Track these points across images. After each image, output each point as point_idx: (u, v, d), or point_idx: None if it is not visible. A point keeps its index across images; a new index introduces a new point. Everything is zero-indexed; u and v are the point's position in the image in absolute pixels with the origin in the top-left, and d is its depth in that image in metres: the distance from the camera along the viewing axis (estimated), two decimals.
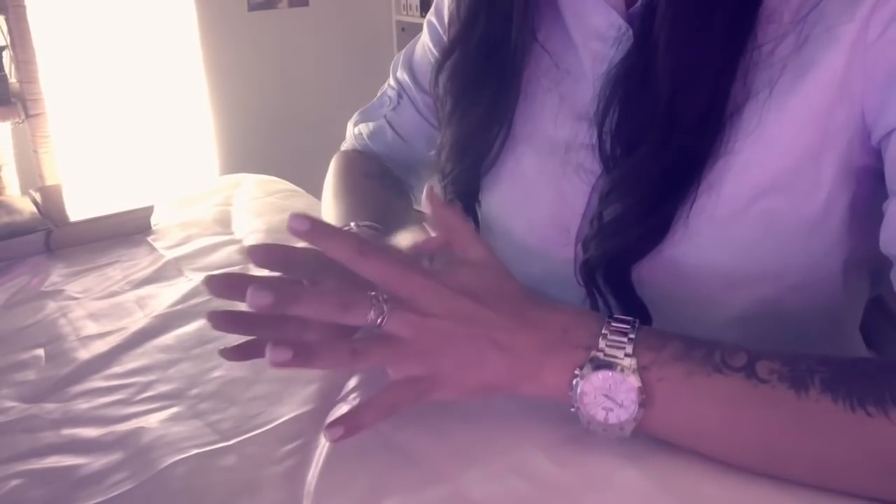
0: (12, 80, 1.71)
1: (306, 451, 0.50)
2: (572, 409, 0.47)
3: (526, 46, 0.64)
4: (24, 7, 1.63)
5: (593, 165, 0.61)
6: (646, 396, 0.45)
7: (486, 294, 0.47)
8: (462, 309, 0.46)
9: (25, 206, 0.86)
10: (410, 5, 2.74)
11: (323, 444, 0.50)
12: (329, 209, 0.76)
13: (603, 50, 0.60)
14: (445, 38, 0.75)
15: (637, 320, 0.47)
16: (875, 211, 0.53)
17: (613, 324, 0.47)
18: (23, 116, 1.69)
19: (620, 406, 0.45)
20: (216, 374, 0.59)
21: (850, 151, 0.54)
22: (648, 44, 0.55)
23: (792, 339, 0.61)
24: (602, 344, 0.46)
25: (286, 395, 0.56)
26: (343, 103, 0.89)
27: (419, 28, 0.84)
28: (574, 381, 0.46)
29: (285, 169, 1.15)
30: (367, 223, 0.67)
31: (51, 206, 0.86)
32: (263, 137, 2.52)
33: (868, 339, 0.71)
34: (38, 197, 0.88)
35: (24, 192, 1.25)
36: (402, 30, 2.80)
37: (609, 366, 0.45)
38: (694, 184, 0.55)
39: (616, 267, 0.58)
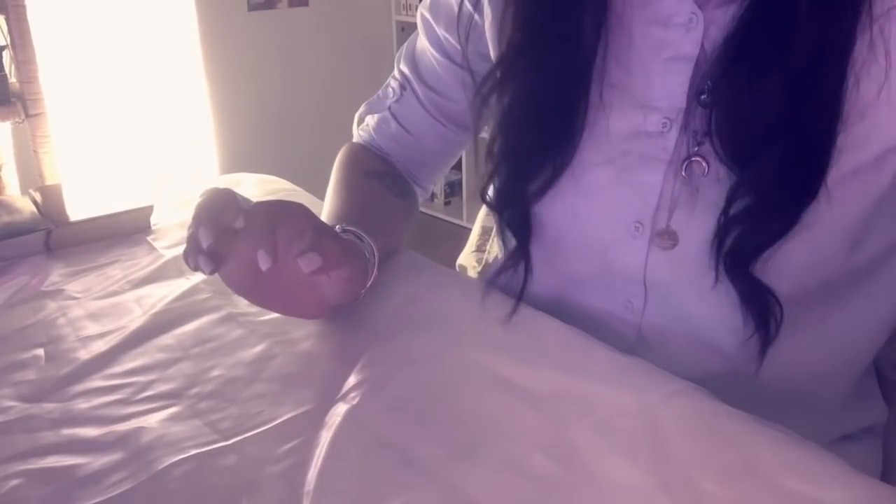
0: (12, 80, 1.71)
1: (306, 450, 0.50)
2: None
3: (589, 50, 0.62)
4: (24, 7, 1.63)
5: (659, 153, 0.61)
6: None
7: None
8: None
9: (25, 205, 0.86)
10: (410, 5, 2.74)
11: (322, 444, 0.50)
12: (326, 203, 0.76)
13: (664, 35, 0.60)
14: (440, 35, 0.75)
15: None
16: None
17: None
18: (23, 116, 1.68)
19: None
20: (215, 373, 0.59)
21: None
22: (764, 24, 0.54)
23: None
24: None
25: (285, 395, 0.56)
26: (343, 103, 0.89)
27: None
28: None
29: (285, 169, 1.15)
30: (352, 229, 0.65)
31: (51, 205, 0.86)
32: (263, 137, 2.52)
33: None
34: (38, 197, 0.88)
35: (24, 192, 1.25)
36: (402, 30, 2.80)
37: None
38: (826, 167, 0.54)
39: (746, 258, 0.58)
